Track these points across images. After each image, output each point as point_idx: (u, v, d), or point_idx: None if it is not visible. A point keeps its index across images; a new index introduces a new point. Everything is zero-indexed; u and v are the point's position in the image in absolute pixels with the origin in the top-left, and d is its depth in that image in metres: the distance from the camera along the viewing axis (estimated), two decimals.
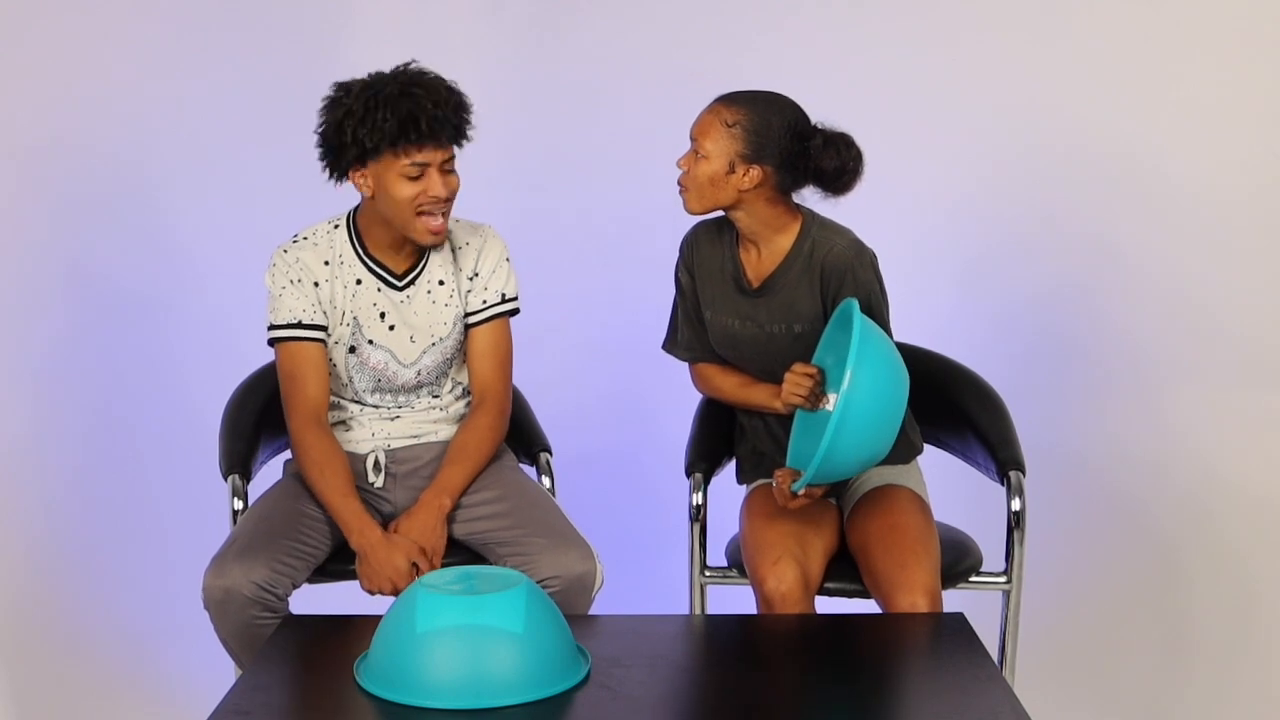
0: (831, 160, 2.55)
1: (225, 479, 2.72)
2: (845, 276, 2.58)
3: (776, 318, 2.64)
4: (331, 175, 2.58)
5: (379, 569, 2.48)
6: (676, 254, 2.75)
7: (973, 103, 3.56)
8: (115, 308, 3.69)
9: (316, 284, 2.60)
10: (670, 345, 2.82)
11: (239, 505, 2.68)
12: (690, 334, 2.77)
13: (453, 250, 2.69)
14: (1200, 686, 3.48)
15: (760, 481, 2.79)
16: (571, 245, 3.73)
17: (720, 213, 2.62)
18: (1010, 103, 3.56)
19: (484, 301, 2.70)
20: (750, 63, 3.61)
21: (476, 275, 2.69)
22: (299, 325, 2.61)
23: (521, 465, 2.82)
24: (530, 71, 3.72)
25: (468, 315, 2.70)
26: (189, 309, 3.71)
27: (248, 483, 2.73)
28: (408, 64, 2.55)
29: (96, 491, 3.67)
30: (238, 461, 2.74)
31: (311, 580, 2.56)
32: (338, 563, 2.59)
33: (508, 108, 3.70)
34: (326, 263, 2.61)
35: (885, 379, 2.44)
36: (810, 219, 2.64)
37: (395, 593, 2.45)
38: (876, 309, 2.60)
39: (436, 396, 2.74)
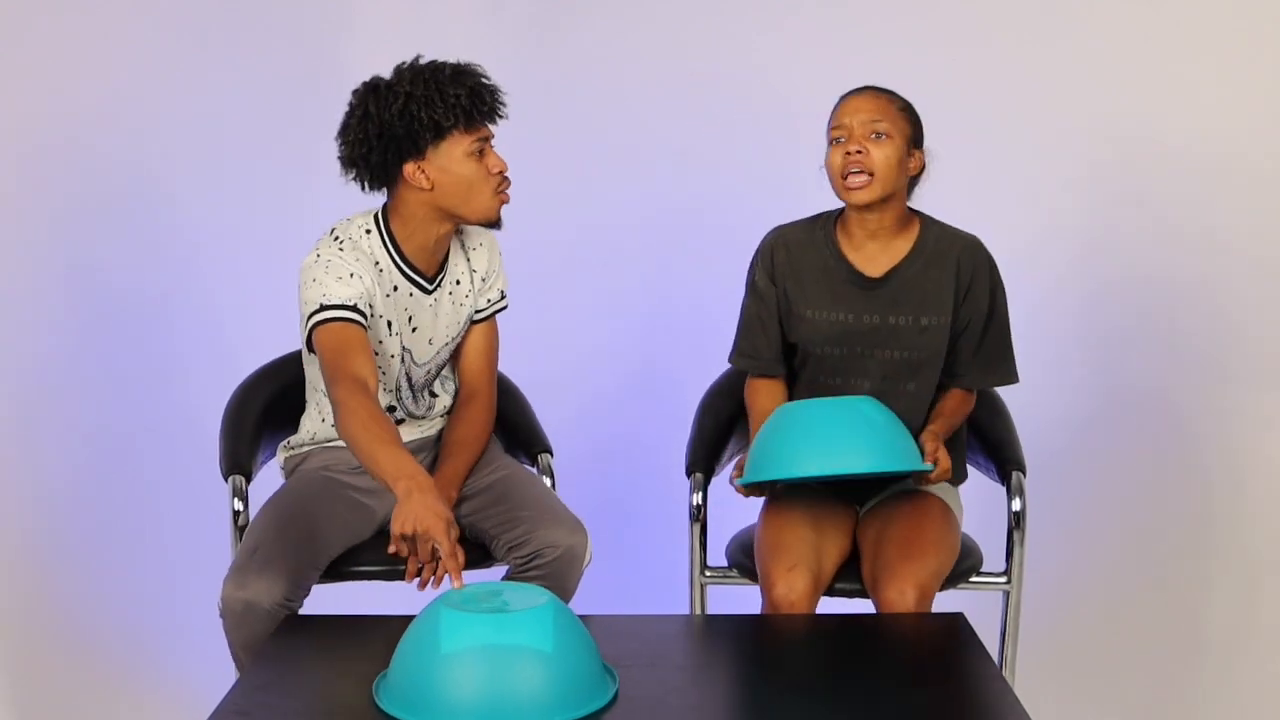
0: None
1: (225, 479, 2.72)
2: (982, 269, 2.59)
3: (904, 309, 2.58)
4: (372, 182, 2.51)
5: (417, 509, 2.20)
6: (740, 258, 2.69)
7: (973, 104, 3.56)
8: (115, 307, 3.69)
9: (366, 287, 2.53)
10: (736, 355, 2.72)
11: (239, 506, 2.68)
12: (761, 340, 2.67)
13: (465, 250, 2.69)
14: (1201, 687, 3.48)
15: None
16: (571, 245, 3.73)
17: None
18: (1011, 104, 3.55)
19: (489, 300, 2.73)
20: (750, 62, 3.61)
21: (487, 275, 2.71)
22: (354, 309, 2.47)
23: (523, 466, 2.82)
24: (530, 71, 3.71)
25: (475, 313, 2.72)
26: (189, 309, 3.71)
27: (248, 483, 2.72)
28: (416, 59, 2.50)
29: (96, 492, 3.67)
30: (238, 462, 2.74)
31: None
32: (341, 563, 2.59)
33: (507, 107, 3.70)
34: (377, 264, 2.55)
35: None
36: (927, 216, 2.63)
37: (425, 538, 2.21)
38: (1004, 301, 2.62)
39: (435, 395, 2.75)
